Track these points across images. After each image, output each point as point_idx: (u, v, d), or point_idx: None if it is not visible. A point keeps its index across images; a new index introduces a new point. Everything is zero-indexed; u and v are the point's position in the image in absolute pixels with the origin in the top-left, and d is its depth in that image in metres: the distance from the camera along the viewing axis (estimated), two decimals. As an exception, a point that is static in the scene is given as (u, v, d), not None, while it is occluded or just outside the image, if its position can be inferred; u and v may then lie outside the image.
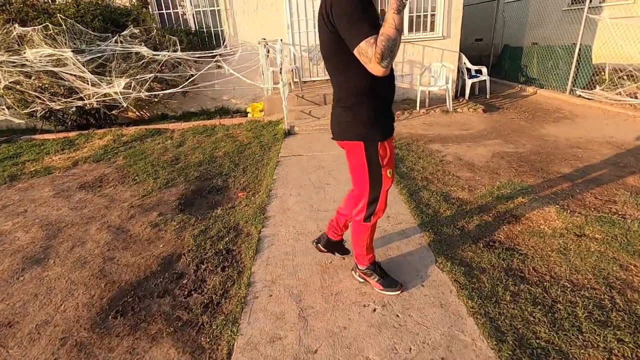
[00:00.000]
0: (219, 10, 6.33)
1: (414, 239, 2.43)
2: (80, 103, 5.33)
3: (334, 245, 2.22)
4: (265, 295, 1.98)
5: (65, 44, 5.10)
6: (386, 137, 1.65)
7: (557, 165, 3.56)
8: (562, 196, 2.92)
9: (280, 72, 5.08)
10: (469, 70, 6.73)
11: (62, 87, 5.30)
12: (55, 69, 5.06)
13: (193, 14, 6.36)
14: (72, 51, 5.01)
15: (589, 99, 5.92)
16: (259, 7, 6.21)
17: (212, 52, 5.78)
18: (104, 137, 5.41)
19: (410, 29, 6.44)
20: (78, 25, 5.32)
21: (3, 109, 5.50)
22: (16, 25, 5.17)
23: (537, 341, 1.59)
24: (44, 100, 5.28)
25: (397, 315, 1.78)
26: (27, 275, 2.32)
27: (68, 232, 2.83)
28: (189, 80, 5.71)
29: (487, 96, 6.81)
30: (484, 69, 6.71)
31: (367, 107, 1.58)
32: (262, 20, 6.29)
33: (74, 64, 5.03)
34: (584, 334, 1.62)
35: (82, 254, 2.52)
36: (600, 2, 7.62)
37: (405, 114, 5.81)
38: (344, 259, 2.25)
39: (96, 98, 5.24)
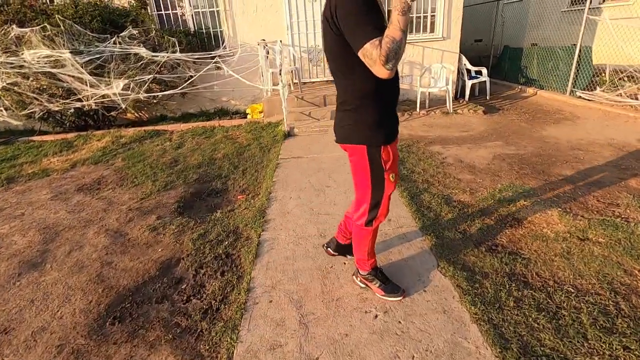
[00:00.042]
0: (218, 11, 6.30)
1: (416, 242, 2.40)
2: (78, 104, 5.29)
3: (343, 249, 2.21)
4: (265, 301, 1.95)
5: (64, 45, 5.07)
6: (389, 141, 1.62)
7: (558, 168, 3.54)
8: (564, 199, 2.90)
9: (280, 74, 5.06)
10: (469, 71, 6.72)
11: (60, 89, 5.27)
12: (54, 70, 5.03)
13: (192, 15, 6.33)
14: (71, 52, 4.98)
15: (589, 100, 5.90)
16: (259, 8, 6.18)
17: (211, 53, 5.75)
18: (102, 138, 5.37)
19: (410, 30, 6.41)
20: (76, 26, 5.29)
21: (1, 111, 5.46)
22: (14, 26, 5.14)
23: (542, 348, 1.57)
24: (42, 101, 5.25)
25: (400, 322, 1.76)
26: (24, 280, 2.29)
27: (65, 235, 2.80)
28: (188, 82, 5.68)
29: (487, 97, 6.80)
30: (484, 70, 6.69)
31: (371, 109, 1.56)
32: (262, 21, 6.26)
33: (72, 65, 5.00)
34: (589, 341, 1.59)
35: (79, 258, 2.49)
36: (599, 3, 7.61)
37: (405, 115, 5.79)
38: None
39: (95, 99, 5.21)
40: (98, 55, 5.21)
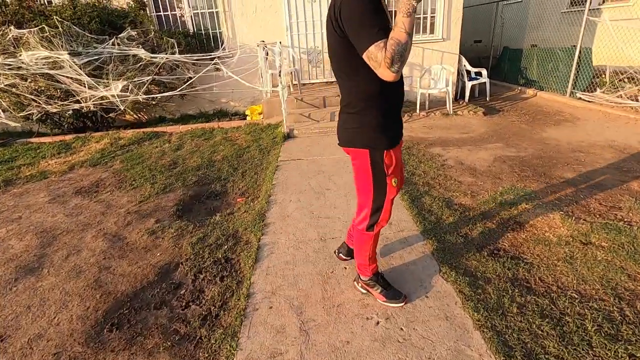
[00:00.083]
0: (217, 12, 6.28)
1: (417, 247, 2.38)
2: (77, 106, 5.27)
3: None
4: (265, 307, 1.93)
5: (62, 46, 5.04)
6: (393, 145, 1.60)
7: (559, 170, 3.52)
8: (566, 202, 2.88)
9: (279, 75, 5.04)
10: (468, 72, 6.70)
11: (58, 90, 5.24)
12: (52, 72, 5.00)
13: (191, 16, 6.30)
14: (69, 54, 4.95)
15: (589, 101, 5.89)
16: (258, 9, 6.16)
17: (211, 55, 5.72)
18: (101, 140, 5.34)
19: (410, 31, 6.38)
20: (75, 27, 5.26)
21: (-1, 112, 5.43)
22: (12, 27, 5.11)
23: (547, 356, 1.55)
24: (40, 103, 5.22)
25: (402, 329, 1.73)
26: (21, 285, 2.26)
27: (63, 239, 2.77)
28: (187, 83, 5.66)
29: (487, 98, 6.78)
30: (484, 71, 6.68)
31: (375, 113, 1.54)
32: (261, 22, 6.24)
33: (70, 67, 4.97)
34: (594, 349, 1.57)
35: (77, 262, 2.46)
36: (599, 4, 7.61)
37: (405, 117, 5.76)
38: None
39: (93, 101, 5.18)
40: (96, 57, 5.18)
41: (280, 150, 4.50)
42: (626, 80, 5.78)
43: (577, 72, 6.21)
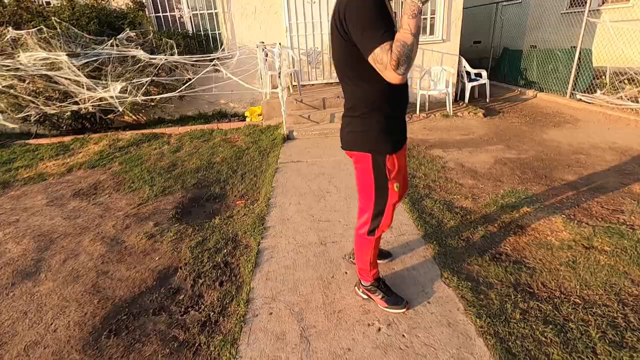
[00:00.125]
0: (216, 13, 6.26)
1: (418, 251, 2.36)
2: (75, 107, 5.23)
3: None
4: (265, 313, 1.90)
5: (60, 47, 5.01)
6: (396, 149, 1.58)
7: (560, 172, 3.50)
8: (567, 205, 2.86)
9: (279, 76, 5.02)
10: (468, 73, 6.68)
11: (56, 91, 5.21)
12: (50, 73, 4.97)
13: (190, 17, 6.28)
14: (67, 55, 4.92)
15: (589, 103, 5.88)
16: (257, 10, 6.13)
17: (210, 56, 5.70)
18: (99, 141, 5.31)
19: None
20: (73, 28, 5.23)
21: (-4, 114, 5.40)
22: (10, 28, 5.07)
23: (550, 364, 1.53)
24: (38, 104, 5.19)
25: (403, 336, 1.71)
26: (17, 290, 2.23)
27: (61, 243, 2.74)
28: (186, 85, 5.63)
29: (487, 100, 6.76)
30: (484, 73, 6.66)
31: (379, 116, 1.52)
32: (261, 23, 6.21)
33: (68, 68, 4.94)
34: (599, 356, 1.55)
35: (75, 267, 2.44)
36: (599, 5, 7.60)
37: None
38: (390, 259, 2.28)
39: (91, 102, 5.15)
40: (95, 58, 5.15)
41: (279, 152, 4.48)
42: (626, 81, 5.77)
43: (577, 73, 6.20)
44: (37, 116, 5.35)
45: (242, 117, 6.46)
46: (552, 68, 6.81)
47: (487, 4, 9.42)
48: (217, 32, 6.38)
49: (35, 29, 5.03)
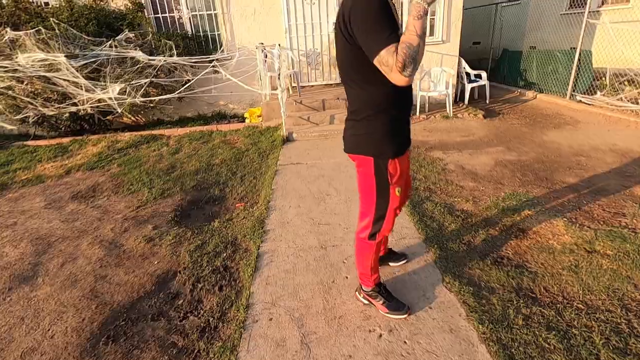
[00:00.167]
0: (215, 14, 6.24)
1: (419, 255, 2.34)
2: (74, 109, 5.21)
3: (383, 260, 2.21)
4: (265, 318, 1.88)
5: (59, 48, 4.98)
6: (398, 154, 1.57)
7: (561, 174, 3.49)
8: (569, 208, 2.85)
9: (279, 77, 5.00)
10: (468, 74, 6.67)
11: (55, 93, 5.18)
12: (48, 74, 4.94)
13: (189, 18, 6.26)
14: (66, 56, 4.90)
15: (589, 104, 5.87)
16: (257, 11, 6.12)
17: (209, 57, 5.68)
18: (98, 143, 5.29)
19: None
20: (72, 29, 5.20)
21: (-6, 115, 5.37)
22: (8, 29, 5.04)
23: (554, 371, 1.51)
24: (36, 105, 5.16)
25: (405, 342, 1.69)
26: (14, 295, 2.21)
27: (59, 247, 2.72)
28: (185, 86, 5.60)
29: (487, 101, 6.75)
30: (484, 74, 6.65)
31: (382, 120, 1.51)
32: (260, 24, 6.20)
33: (67, 69, 4.91)
34: (603, 363, 1.53)
35: (72, 271, 2.41)
36: (598, 6, 7.60)
37: (405, 120, 5.73)
38: (405, 262, 2.27)
39: (90, 104, 5.12)
40: (94, 59, 5.13)
41: (279, 153, 4.46)
42: (626, 83, 5.76)
43: (577, 74, 6.19)
44: (36, 117, 5.32)
45: (242, 119, 6.44)
46: (552, 69, 6.80)
47: (487, 5, 9.41)
48: (216, 33, 6.36)
49: (34, 30, 5.00)
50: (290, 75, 6.15)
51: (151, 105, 5.89)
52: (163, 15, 6.21)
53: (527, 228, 2.60)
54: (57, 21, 5.13)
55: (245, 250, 2.52)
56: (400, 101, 1.53)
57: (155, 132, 5.72)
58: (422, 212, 2.85)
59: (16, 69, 4.90)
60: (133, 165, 4.35)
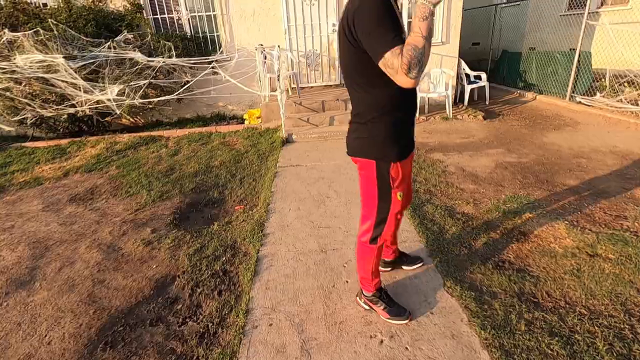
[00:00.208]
0: (215, 15, 6.22)
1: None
2: (72, 110, 5.18)
3: (395, 263, 2.20)
4: (264, 324, 1.86)
5: (57, 49, 4.96)
6: (401, 158, 1.55)
7: (562, 177, 3.48)
8: (570, 211, 2.83)
9: (278, 79, 4.98)
10: (467, 76, 6.66)
11: (53, 94, 5.15)
12: (47, 76, 4.91)
13: (188, 19, 6.24)
14: (64, 57, 4.87)
15: (589, 105, 5.86)
16: (256, 12, 6.10)
17: (208, 58, 5.66)
18: (96, 144, 5.26)
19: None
20: (70, 30, 5.18)
21: (-8, 116, 5.34)
22: (6, 30, 5.02)
23: (557, 378, 1.49)
24: (34, 107, 5.13)
25: (406, 348, 1.67)
26: (11, 300, 2.19)
27: (56, 250, 2.70)
28: (184, 87, 5.58)
29: (487, 102, 6.75)
30: (483, 75, 6.64)
31: (386, 123, 1.50)
32: (259, 25, 6.18)
33: (65, 71, 4.89)
34: (607, 370, 1.52)
35: (70, 275, 2.39)
36: (598, 8, 7.60)
37: (404, 121, 5.71)
38: (420, 265, 2.24)
39: (89, 105, 5.10)
40: (92, 60, 5.10)
41: (279, 155, 4.44)
42: (626, 84, 5.76)
43: (577, 75, 6.18)
44: (34, 119, 5.29)
45: (241, 120, 6.42)
46: (552, 70, 6.79)
47: (486, 6, 9.41)
48: (215, 34, 6.34)
49: (32, 31, 4.98)
50: (290, 77, 6.13)
51: (150, 106, 5.86)
52: (162, 16, 6.19)
53: (528, 231, 2.58)
54: (55, 22, 5.10)
55: (245, 254, 2.50)
56: (405, 103, 1.51)
57: (154, 133, 5.69)
58: (423, 215, 2.84)
59: (14, 70, 4.88)
60: (132, 167, 4.32)
